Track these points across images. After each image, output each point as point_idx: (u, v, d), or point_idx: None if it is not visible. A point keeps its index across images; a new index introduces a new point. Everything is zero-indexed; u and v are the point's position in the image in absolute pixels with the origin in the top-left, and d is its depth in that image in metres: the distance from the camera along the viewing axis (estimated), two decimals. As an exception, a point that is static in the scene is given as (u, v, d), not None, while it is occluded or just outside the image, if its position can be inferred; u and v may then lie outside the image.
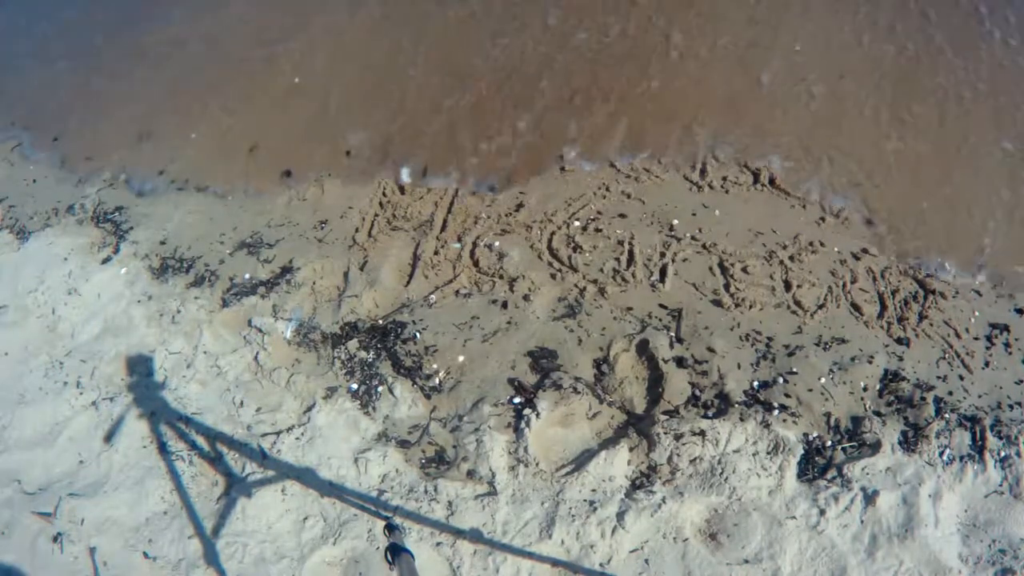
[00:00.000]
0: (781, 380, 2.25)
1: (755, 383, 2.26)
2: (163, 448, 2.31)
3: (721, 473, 2.05)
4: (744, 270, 2.57)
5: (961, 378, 2.24)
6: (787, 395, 2.22)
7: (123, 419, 2.38)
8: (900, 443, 2.09)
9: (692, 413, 2.20)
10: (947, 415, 2.13)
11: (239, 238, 2.96)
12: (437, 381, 2.39)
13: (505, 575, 1.93)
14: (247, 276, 2.79)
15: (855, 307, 2.45)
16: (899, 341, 2.34)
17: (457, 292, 2.63)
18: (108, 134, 3.64)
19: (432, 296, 2.62)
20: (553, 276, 2.64)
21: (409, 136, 3.27)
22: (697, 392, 2.25)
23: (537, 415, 2.21)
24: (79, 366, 2.57)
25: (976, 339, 2.34)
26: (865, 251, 2.59)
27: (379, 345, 2.49)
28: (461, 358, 2.43)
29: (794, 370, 2.27)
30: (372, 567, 2.00)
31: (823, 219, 2.70)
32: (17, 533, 2.17)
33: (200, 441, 2.31)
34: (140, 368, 2.54)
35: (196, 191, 3.24)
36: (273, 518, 2.10)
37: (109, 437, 2.35)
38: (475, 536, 2.00)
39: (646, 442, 2.14)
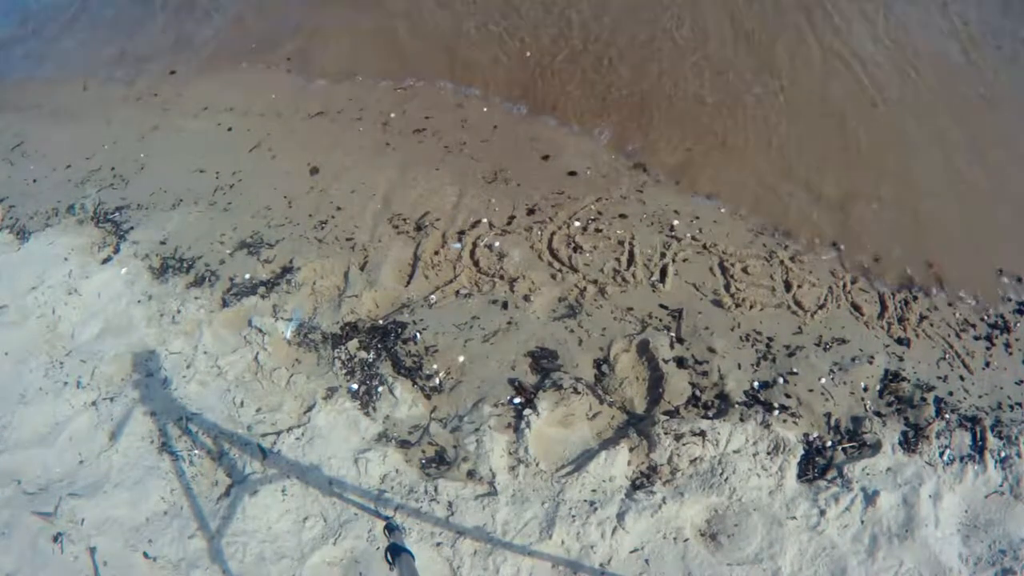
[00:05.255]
0: (781, 380, 2.25)
1: (755, 383, 2.26)
2: (163, 448, 2.31)
3: (721, 473, 2.05)
4: (744, 270, 2.57)
5: (961, 378, 2.24)
6: (787, 395, 2.21)
7: (124, 419, 2.38)
8: (900, 443, 2.09)
9: (692, 413, 2.20)
10: (947, 415, 2.13)
11: (239, 238, 2.96)
12: (437, 381, 2.38)
13: (505, 575, 1.93)
14: (247, 276, 2.79)
15: (855, 307, 2.45)
16: (899, 341, 2.34)
17: (457, 292, 2.63)
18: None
19: (432, 296, 2.62)
20: (553, 276, 2.64)
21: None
22: (697, 392, 2.25)
23: (537, 415, 2.21)
24: (79, 366, 2.57)
25: (976, 339, 2.34)
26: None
27: (379, 345, 2.49)
28: (461, 358, 2.43)
29: (794, 370, 2.27)
30: (372, 567, 2.00)
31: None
32: (17, 533, 2.17)
33: (200, 441, 2.31)
34: (140, 368, 2.54)
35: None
36: (273, 518, 2.10)
37: (111, 437, 2.35)
38: (475, 536, 2.00)
39: (646, 442, 2.14)
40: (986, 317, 2.39)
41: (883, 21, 3.27)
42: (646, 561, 1.94)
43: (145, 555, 2.09)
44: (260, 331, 2.56)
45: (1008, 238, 2.59)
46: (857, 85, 3.09)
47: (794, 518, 1.96)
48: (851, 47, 3.21)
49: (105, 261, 2.94)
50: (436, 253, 2.76)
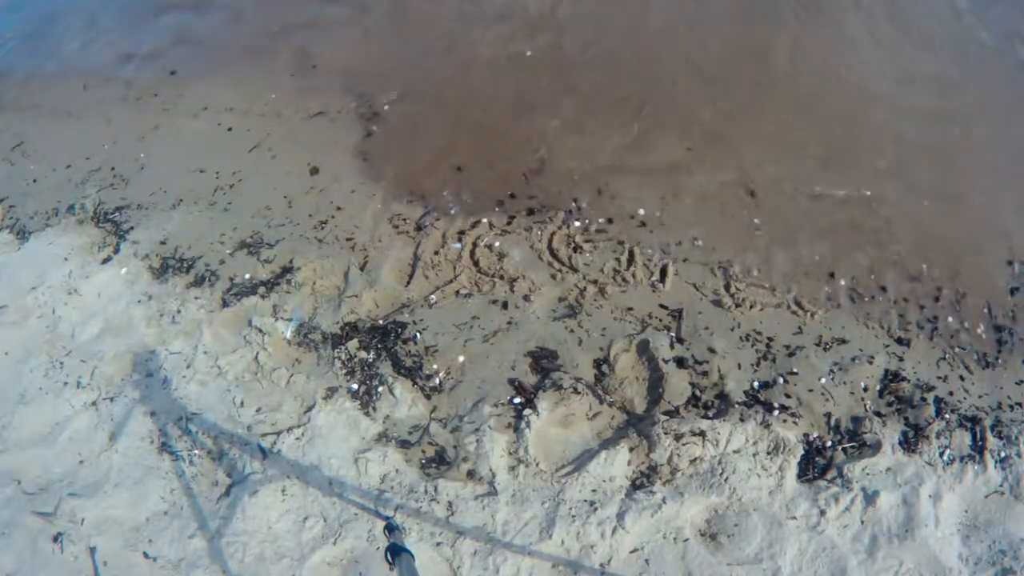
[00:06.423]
0: (781, 380, 2.25)
1: (755, 383, 2.26)
2: (163, 448, 2.31)
3: (721, 473, 2.05)
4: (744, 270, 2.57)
5: (961, 378, 2.24)
6: (787, 395, 2.22)
7: (124, 419, 2.38)
8: (900, 443, 2.09)
9: (692, 413, 2.20)
10: (947, 415, 2.13)
11: (239, 238, 2.96)
12: (437, 381, 2.38)
13: (505, 575, 1.93)
14: (247, 276, 2.79)
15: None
16: (900, 341, 2.34)
17: (457, 292, 2.63)
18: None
19: (432, 296, 2.62)
20: (553, 276, 2.64)
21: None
22: (697, 392, 2.25)
23: (537, 415, 2.21)
24: (79, 366, 2.57)
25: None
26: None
27: (379, 345, 2.49)
28: (461, 358, 2.43)
29: (794, 370, 2.27)
30: (372, 567, 2.00)
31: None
32: (17, 533, 2.17)
33: (200, 441, 2.31)
34: (140, 368, 2.54)
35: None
36: (273, 518, 2.10)
37: (111, 437, 2.35)
38: (475, 536, 2.00)
39: (646, 442, 2.14)
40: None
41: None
42: (646, 561, 1.94)
43: (145, 555, 2.09)
44: (260, 331, 2.56)
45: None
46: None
47: (794, 518, 1.96)
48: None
49: (105, 261, 2.94)
50: (436, 253, 2.76)
